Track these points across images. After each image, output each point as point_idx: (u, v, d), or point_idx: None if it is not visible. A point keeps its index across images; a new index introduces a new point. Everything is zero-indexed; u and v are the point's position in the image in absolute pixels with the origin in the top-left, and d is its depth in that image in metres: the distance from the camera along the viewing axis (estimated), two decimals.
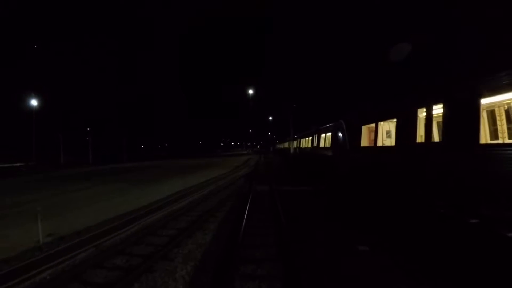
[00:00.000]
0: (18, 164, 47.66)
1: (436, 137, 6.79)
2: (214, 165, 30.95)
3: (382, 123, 8.90)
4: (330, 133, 14.67)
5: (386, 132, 9.43)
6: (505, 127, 5.37)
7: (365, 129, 10.13)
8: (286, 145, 43.47)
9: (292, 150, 27.10)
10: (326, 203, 9.30)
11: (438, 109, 6.01)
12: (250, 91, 64.77)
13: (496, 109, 5.42)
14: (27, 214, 8.25)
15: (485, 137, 5.45)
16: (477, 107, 4.80)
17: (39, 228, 6.02)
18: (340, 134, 12.85)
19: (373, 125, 9.45)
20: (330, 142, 14.50)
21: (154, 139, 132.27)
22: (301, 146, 24.47)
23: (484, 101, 4.86)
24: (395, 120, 7.73)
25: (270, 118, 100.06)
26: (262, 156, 54.27)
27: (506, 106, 5.24)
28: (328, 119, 21.27)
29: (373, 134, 10.14)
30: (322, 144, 16.53)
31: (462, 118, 5.11)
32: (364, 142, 10.08)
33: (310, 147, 19.65)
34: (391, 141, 9.14)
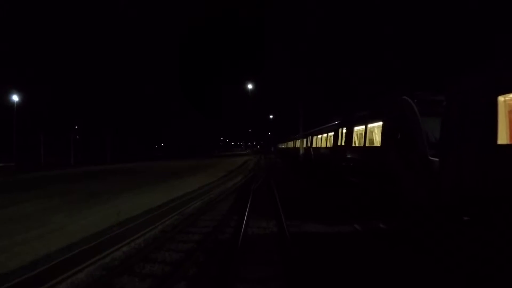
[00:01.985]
0: None
1: None
2: (203, 169, 25.07)
3: None
4: (378, 123, 8.75)
5: None
6: None
7: None
8: (291, 144, 37.42)
9: (302, 151, 21.05)
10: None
11: None
12: (250, 86, 59.32)
13: None
14: None
15: None
16: None
17: None
18: (408, 124, 6.96)
19: None
20: (379, 138, 8.59)
21: (151, 138, 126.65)
22: (315, 145, 18.48)
23: None
24: None
25: (271, 116, 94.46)
26: (263, 156, 48.39)
27: None
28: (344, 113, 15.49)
29: None
30: (358, 143, 10.62)
31: None
32: None
33: (332, 147, 13.76)
34: None
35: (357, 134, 10.65)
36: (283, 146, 49.32)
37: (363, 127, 9.73)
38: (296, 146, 29.76)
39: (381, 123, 8.33)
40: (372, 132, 9.47)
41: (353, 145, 10.56)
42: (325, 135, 15.61)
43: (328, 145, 14.57)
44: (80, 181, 19.30)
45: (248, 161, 36.42)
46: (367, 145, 9.27)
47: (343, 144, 12.06)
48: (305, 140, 21.53)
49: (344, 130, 11.83)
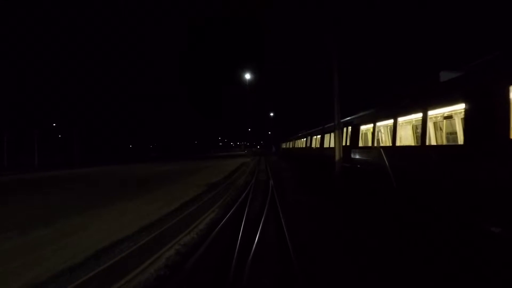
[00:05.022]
0: None
1: None
2: (175, 180, 16.59)
3: None
4: None
5: None
6: None
7: None
8: (301, 143, 28.36)
9: (339, 155, 11.86)
10: None
11: None
12: (247, 76, 49.93)
13: None
14: None
15: None
16: None
17: None
18: None
19: None
20: None
21: (145, 138, 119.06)
22: (376, 142, 9.58)
23: None
24: None
25: (271, 114, 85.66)
26: (263, 159, 39.74)
27: None
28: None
29: None
30: None
31: None
32: None
33: (460, 147, 5.24)
34: None
35: None
36: (290, 145, 40.05)
37: None
38: (315, 146, 20.70)
39: None
40: None
41: None
42: (414, 116, 6.88)
43: (434, 142, 6.12)
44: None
45: (243, 165, 27.84)
46: None
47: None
48: (341, 133, 12.22)
49: None
